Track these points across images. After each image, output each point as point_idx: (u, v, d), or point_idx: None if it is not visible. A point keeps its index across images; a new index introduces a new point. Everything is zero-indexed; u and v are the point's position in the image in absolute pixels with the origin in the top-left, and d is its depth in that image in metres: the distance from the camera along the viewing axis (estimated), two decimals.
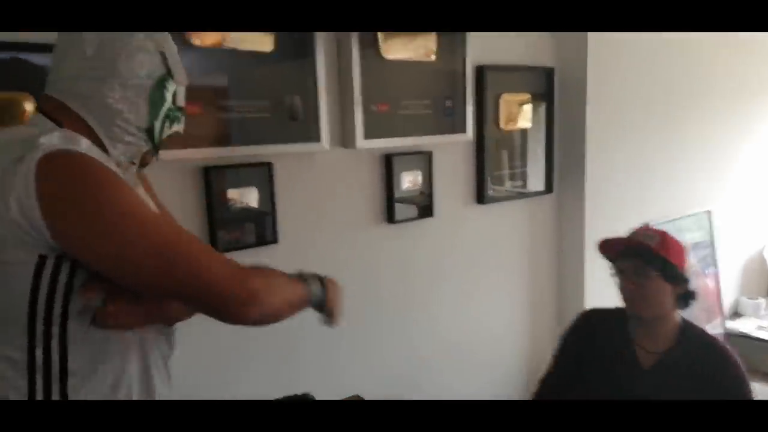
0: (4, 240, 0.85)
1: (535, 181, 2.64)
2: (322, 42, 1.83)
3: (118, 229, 0.87)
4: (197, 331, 1.70)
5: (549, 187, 2.66)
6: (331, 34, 1.89)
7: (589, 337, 1.83)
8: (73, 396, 0.93)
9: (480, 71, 2.32)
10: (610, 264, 1.76)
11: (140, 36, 0.96)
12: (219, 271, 0.91)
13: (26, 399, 0.91)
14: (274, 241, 1.82)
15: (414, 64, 2.10)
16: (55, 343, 0.91)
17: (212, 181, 1.69)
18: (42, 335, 0.90)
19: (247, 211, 1.76)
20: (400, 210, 2.13)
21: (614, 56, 2.63)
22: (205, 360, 1.73)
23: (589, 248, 2.63)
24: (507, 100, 2.47)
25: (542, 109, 2.60)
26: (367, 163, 2.04)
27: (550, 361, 1.89)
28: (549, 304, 2.77)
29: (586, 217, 2.66)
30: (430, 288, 2.29)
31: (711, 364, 1.62)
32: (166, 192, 1.60)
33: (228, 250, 1.72)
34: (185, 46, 1.59)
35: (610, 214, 2.70)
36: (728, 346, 1.66)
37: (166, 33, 1.00)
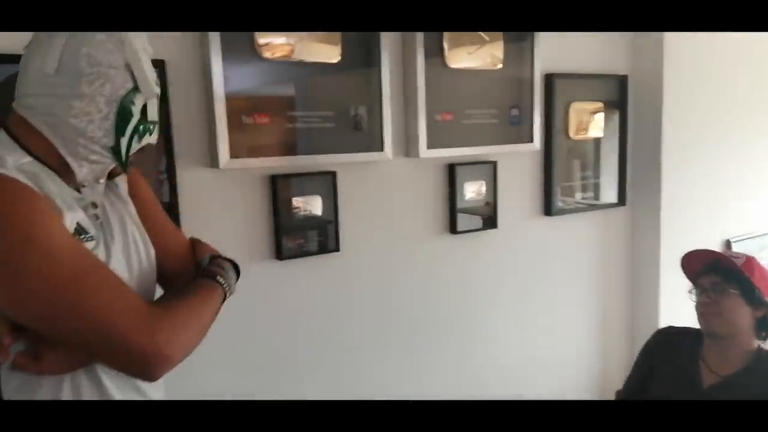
0: None
1: (608, 192, 2.54)
2: (388, 52, 1.84)
3: (11, 262, 0.79)
4: (271, 334, 1.75)
5: (622, 200, 2.56)
6: (397, 44, 1.90)
7: (660, 354, 1.75)
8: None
9: (549, 79, 2.27)
10: (690, 281, 1.68)
11: (107, 46, 0.88)
12: (123, 324, 0.83)
13: None
14: (336, 249, 1.83)
15: (479, 72, 2.07)
16: None
17: (278, 189, 1.73)
18: None
19: (310, 219, 1.79)
20: (463, 220, 2.10)
21: (691, 63, 2.50)
22: (276, 362, 1.77)
23: (664, 264, 2.51)
24: (577, 108, 2.40)
25: (615, 117, 2.50)
26: (430, 173, 2.03)
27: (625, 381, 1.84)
28: (621, 322, 2.65)
29: (661, 231, 2.54)
30: (492, 303, 2.24)
31: None
32: (235, 199, 1.66)
33: (291, 257, 1.75)
34: (256, 58, 1.64)
35: (687, 229, 2.56)
36: None
37: (140, 37, 0.92)
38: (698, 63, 2.53)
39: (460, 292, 2.15)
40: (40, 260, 0.80)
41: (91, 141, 0.89)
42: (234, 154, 1.61)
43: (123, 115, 0.90)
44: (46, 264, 0.80)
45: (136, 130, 0.93)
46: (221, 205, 1.66)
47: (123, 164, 0.94)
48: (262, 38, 1.65)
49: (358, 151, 1.83)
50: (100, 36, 0.88)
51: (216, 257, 1.08)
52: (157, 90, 0.95)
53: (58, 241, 0.82)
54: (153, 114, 0.96)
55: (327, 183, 1.80)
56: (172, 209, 1.56)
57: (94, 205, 0.94)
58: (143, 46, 0.93)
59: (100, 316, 0.82)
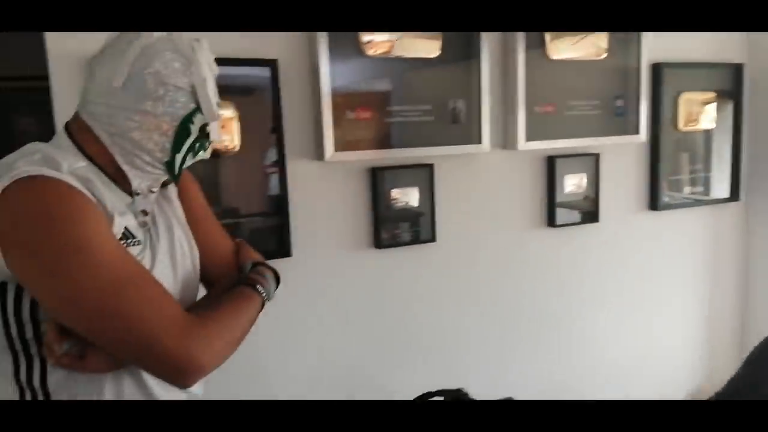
0: None
1: (719, 187, 2.40)
2: (488, 45, 1.85)
3: (59, 266, 0.81)
4: (367, 318, 1.83)
5: (735, 194, 2.41)
6: (497, 37, 1.90)
7: (765, 365, 1.64)
8: None
9: (656, 68, 2.18)
10: None
11: (174, 66, 0.90)
12: (159, 333, 0.84)
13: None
14: (432, 239, 1.88)
15: (582, 63, 2.03)
16: (36, 363, 0.90)
17: (377, 180, 1.79)
18: (27, 357, 0.90)
19: (408, 210, 1.84)
20: (562, 214, 2.07)
21: None
22: (370, 345, 1.85)
23: None
24: (687, 98, 2.29)
25: (729, 108, 2.36)
26: (528, 165, 2.02)
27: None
28: (731, 322, 2.50)
29: None
30: (591, 299, 2.20)
31: None
32: (337, 190, 1.75)
33: (389, 246, 1.82)
34: (359, 56, 1.71)
35: None
36: None
37: (206, 55, 0.95)
38: None
39: (557, 286, 2.13)
40: (86, 266, 0.82)
41: (148, 154, 0.92)
42: (338, 147, 1.69)
43: (181, 133, 0.93)
44: (91, 270, 0.82)
45: (191, 147, 0.95)
46: (325, 196, 1.75)
47: (175, 178, 0.98)
48: (366, 36, 1.72)
49: (456, 143, 1.85)
50: (170, 55, 0.90)
51: (258, 264, 1.09)
52: (219, 114, 0.97)
53: (104, 247, 0.84)
54: (215, 134, 0.98)
55: (424, 175, 1.84)
56: (281, 200, 1.67)
57: (144, 212, 0.97)
58: (209, 65, 0.95)
59: (138, 325, 0.84)
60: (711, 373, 2.44)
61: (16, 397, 0.91)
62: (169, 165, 0.95)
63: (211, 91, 0.93)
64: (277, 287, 1.08)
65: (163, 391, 0.97)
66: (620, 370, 2.27)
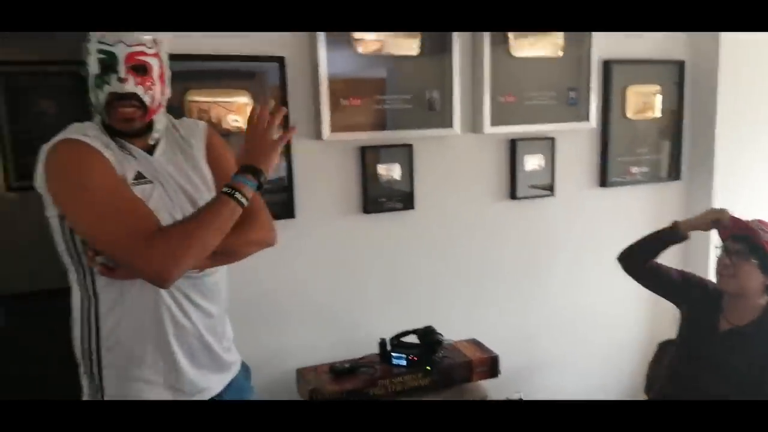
0: (44, 200, 1.23)
1: (662, 167, 2.78)
2: (459, 43, 2.21)
3: (75, 203, 1.18)
4: (355, 271, 2.20)
5: (676, 174, 2.79)
6: (467, 36, 2.26)
7: (697, 288, 2.04)
8: (104, 314, 1.26)
9: (606, 65, 2.55)
10: (719, 242, 1.95)
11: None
12: (127, 245, 1.15)
13: (80, 309, 1.28)
14: (411, 207, 2.26)
15: (541, 60, 2.40)
16: (89, 272, 1.25)
17: (366, 157, 2.16)
18: (84, 268, 1.25)
19: (391, 182, 2.22)
20: (522, 188, 2.45)
21: (747, 45, 2.66)
22: (356, 292, 2.23)
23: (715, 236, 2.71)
24: (635, 91, 2.66)
25: (671, 99, 2.73)
26: (493, 146, 2.39)
27: None
28: None
29: (714, 204, 2.75)
30: (547, 261, 2.58)
31: None
32: (333, 164, 2.12)
33: (374, 212, 2.20)
34: (352, 52, 2.07)
35: (740, 204, 2.74)
36: None
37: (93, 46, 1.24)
38: (754, 45, 2.68)
39: (517, 249, 2.51)
40: (85, 198, 1.17)
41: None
42: (333, 129, 2.06)
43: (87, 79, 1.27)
44: (87, 201, 1.17)
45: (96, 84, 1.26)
46: (323, 169, 2.13)
47: (100, 114, 1.27)
48: (358, 35, 2.08)
49: (431, 127, 2.23)
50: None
51: (243, 170, 1.25)
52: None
53: (98, 182, 1.18)
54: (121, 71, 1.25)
55: (405, 153, 2.22)
56: (287, 172, 2.04)
57: (148, 161, 1.29)
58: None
59: (113, 239, 1.16)
60: (652, 327, 2.83)
61: (83, 297, 1.27)
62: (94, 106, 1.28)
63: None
64: (259, 186, 1.26)
65: (173, 302, 1.27)
66: (572, 321, 2.67)
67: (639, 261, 2.08)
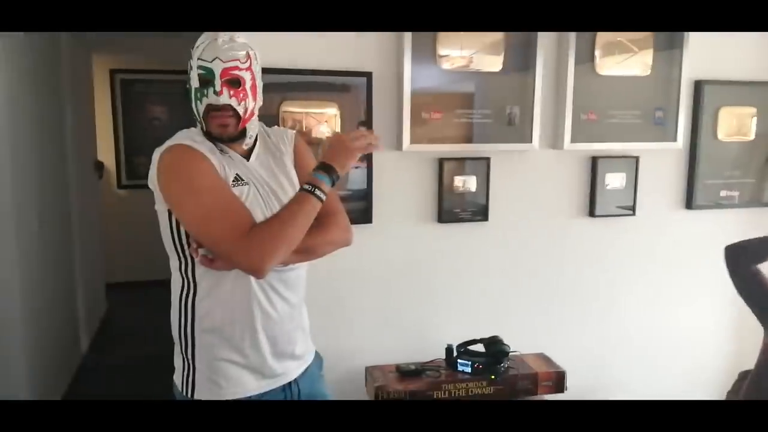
0: (156, 196, 1.37)
1: (755, 192, 2.66)
2: (542, 59, 2.25)
3: (183, 201, 1.32)
4: (427, 278, 2.28)
5: None
6: (552, 51, 2.29)
7: None
8: (200, 300, 1.39)
9: (698, 85, 2.49)
10: None
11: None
12: (228, 242, 1.28)
13: (179, 295, 1.41)
14: (485, 219, 2.31)
15: (627, 78, 2.38)
16: (189, 261, 1.38)
17: (444, 168, 2.25)
18: (185, 258, 1.39)
19: (467, 194, 2.28)
20: (602, 206, 2.44)
21: None
22: (427, 299, 2.31)
23: None
24: (728, 112, 2.57)
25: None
26: (573, 163, 2.40)
27: None
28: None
29: None
30: (624, 282, 2.54)
31: None
32: (410, 174, 2.22)
33: (449, 221, 2.28)
34: (436, 67, 2.17)
35: None
36: None
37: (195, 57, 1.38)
38: None
39: (594, 268, 2.50)
40: (191, 198, 1.31)
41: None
42: (413, 140, 2.16)
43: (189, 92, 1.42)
44: (193, 200, 1.31)
45: (196, 96, 1.40)
46: (401, 178, 2.23)
47: (200, 122, 1.41)
48: (443, 50, 2.17)
49: (509, 141, 2.28)
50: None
51: (319, 167, 1.37)
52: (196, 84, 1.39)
53: (205, 186, 1.32)
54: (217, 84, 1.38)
55: (482, 166, 2.28)
56: (368, 179, 2.16)
57: (245, 166, 1.42)
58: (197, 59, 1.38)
59: (213, 233, 1.30)
60: (733, 358, 2.70)
61: (182, 284, 1.41)
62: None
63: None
64: (331, 180, 1.37)
65: (261, 292, 1.40)
66: (647, 346, 2.60)
67: (748, 258, 1.98)
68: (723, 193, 2.63)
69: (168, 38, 4.27)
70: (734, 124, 2.60)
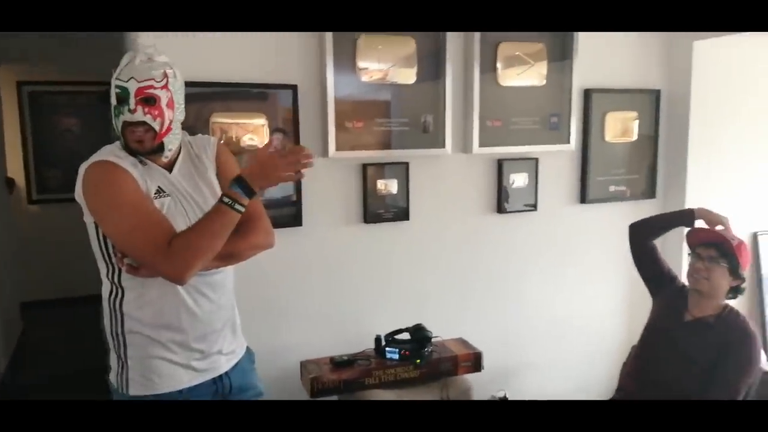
0: (83, 208, 1.45)
1: (639, 186, 3.03)
2: (451, 71, 2.49)
3: (107, 216, 1.41)
4: (356, 274, 2.45)
5: (652, 193, 3.05)
6: (459, 65, 2.53)
7: (669, 281, 2.29)
8: (128, 303, 1.48)
9: (587, 93, 2.82)
10: (690, 248, 2.19)
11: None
12: (151, 252, 1.38)
13: (108, 299, 1.49)
14: (407, 218, 2.53)
15: (525, 88, 2.67)
16: (116, 268, 1.48)
17: (367, 173, 2.43)
18: (112, 265, 1.48)
19: (389, 196, 2.48)
20: (508, 203, 2.71)
21: (717, 72, 2.93)
22: (357, 293, 2.48)
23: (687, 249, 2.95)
24: (613, 116, 2.92)
25: (648, 125, 2.99)
26: (481, 165, 2.66)
27: None
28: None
29: None
30: (530, 270, 2.84)
31: (732, 332, 2.03)
32: (337, 179, 2.39)
33: (374, 222, 2.47)
34: (357, 81, 2.35)
35: None
36: (752, 329, 2.05)
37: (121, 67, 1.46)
38: (723, 75, 2.95)
39: (503, 259, 2.77)
40: (114, 212, 1.41)
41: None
42: (338, 147, 2.33)
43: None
44: (116, 214, 1.41)
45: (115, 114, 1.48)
46: (328, 183, 2.40)
47: (119, 137, 1.48)
48: (362, 64, 2.35)
49: (426, 147, 2.50)
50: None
51: (235, 180, 1.43)
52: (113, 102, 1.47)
53: (126, 201, 1.41)
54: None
55: (402, 170, 2.49)
56: (296, 185, 2.31)
57: (166, 178, 1.50)
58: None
59: (136, 245, 1.40)
60: (627, 333, 3.05)
61: (111, 289, 1.50)
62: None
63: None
64: (249, 194, 1.42)
65: (187, 295, 1.50)
66: (551, 326, 2.90)
67: (647, 233, 2.32)
68: (612, 189, 2.98)
69: (77, 49, 4.22)
70: (619, 127, 2.96)
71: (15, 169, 4.90)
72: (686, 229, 2.24)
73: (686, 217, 2.26)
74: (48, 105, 5.05)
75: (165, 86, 1.47)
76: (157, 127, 1.46)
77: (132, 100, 1.44)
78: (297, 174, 1.47)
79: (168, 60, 1.50)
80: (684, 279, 2.31)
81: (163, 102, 1.46)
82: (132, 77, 1.44)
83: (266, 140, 2.24)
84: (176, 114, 1.51)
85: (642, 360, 2.25)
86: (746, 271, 2.13)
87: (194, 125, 2.06)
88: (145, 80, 1.44)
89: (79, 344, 3.92)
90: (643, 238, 2.33)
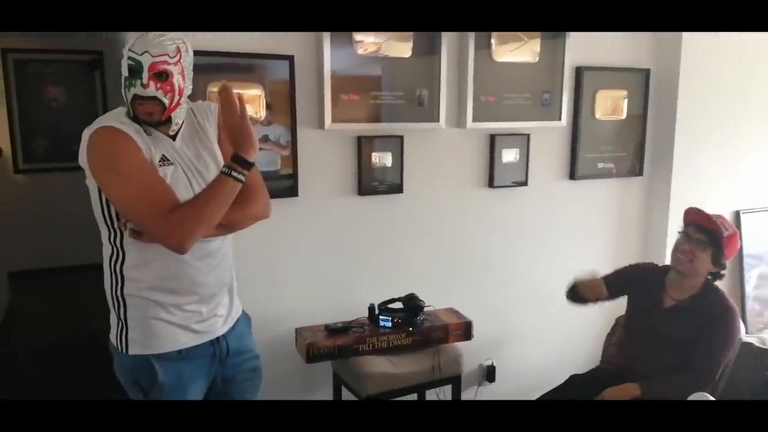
0: (86, 172, 1.46)
1: (627, 163, 3.09)
2: (446, 46, 2.51)
3: (111, 182, 1.42)
4: (349, 246, 2.49)
5: (639, 170, 3.11)
6: (454, 40, 2.55)
7: (632, 278, 2.35)
8: (128, 266, 1.51)
9: (578, 71, 2.86)
10: (682, 226, 2.25)
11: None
12: (152, 220, 1.41)
13: (109, 262, 1.52)
14: (400, 191, 2.56)
15: (519, 65, 2.70)
16: (118, 232, 1.49)
17: (362, 146, 2.46)
18: (114, 229, 1.49)
19: (383, 169, 2.52)
20: (499, 178, 2.76)
21: (705, 54, 2.99)
22: (351, 266, 2.53)
23: (671, 225, 3.03)
24: (603, 95, 2.97)
25: (637, 103, 3.05)
26: (474, 140, 2.70)
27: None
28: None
29: (671, 198, 3.07)
30: (518, 243, 2.90)
31: (712, 307, 2.11)
32: (332, 151, 2.42)
33: (368, 194, 2.50)
34: (353, 53, 2.36)
35: (697, 199, 3.06)
36: (732, 303, 2.13)
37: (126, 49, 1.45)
38: (711, 56, 3.01)
39: (492, 231, 2.83)
40: (117, 177, 1.42)
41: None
42: (334, 120, 2.36)
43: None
44: (119, 179, 1.42)
45: (125, 85, 1.47)
46: (324, 155, 2.42)
47: (130, 109, 1.48)
48: (358, 37, 2.37)
49: (420, 121, 2.53)
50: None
51: (232, 156, 1.49)
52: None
53: (130, 166, 1.42)
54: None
55: (396, 144, 2.52)
56: (293, 155, 2.33)
57: (171, 146, 1.52)
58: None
59: (138, 211, 1.43)
60: (610, 305, 3.13)
61: (112, 252, 1.52)
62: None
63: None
64: (246, 165, 1.48)
65: (187, 259, 1.50)
66: (539, 298, 2.97)
67: (579, 303, 2.40)
68: (600, 165, 3.04)
69: None
70: (609, 105, 3.01)
71: (1, 138, 4.85)
72: (679, 208, 2.30)
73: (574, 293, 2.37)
74: (34, 73, 4.97)
75: (178, 61, 1.48)
76: (167, 102, 1.47)
77: (145, 75, 1.44)
78: (241, 113, 1.50)
79: (179, 34, 1.49)
80: (667, 259, 2.39)
81: (175, 77, 1.47)
82: (146, 51, 1.43)
83: (262, 113, 2.26)
84: (186, 89, 1.52)
85: (625, 347, 2.32)
86: (729, 261, 2.21)
87: (191, 94, 2.07)
88: (160, 55, 1.44)
89: (67, 313, 3.96)
90: (580, 304, 2.40)
